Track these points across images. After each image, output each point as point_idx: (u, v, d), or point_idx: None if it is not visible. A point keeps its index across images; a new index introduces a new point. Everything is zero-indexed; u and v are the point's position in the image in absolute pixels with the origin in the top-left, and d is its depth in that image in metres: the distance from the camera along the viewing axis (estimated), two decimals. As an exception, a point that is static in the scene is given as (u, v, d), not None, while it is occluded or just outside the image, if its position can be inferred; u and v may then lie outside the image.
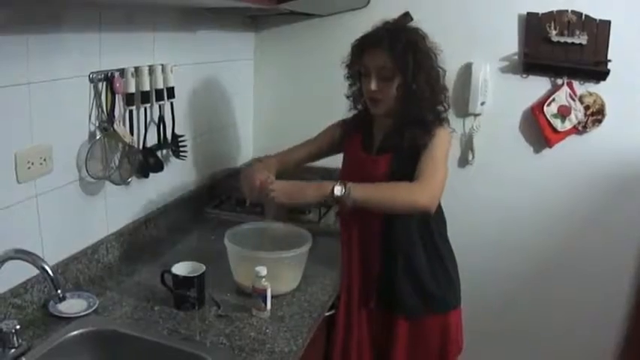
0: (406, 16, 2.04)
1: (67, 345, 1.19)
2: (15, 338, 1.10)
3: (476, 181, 2.22)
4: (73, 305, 1.30)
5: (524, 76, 2.10)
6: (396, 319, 1.52)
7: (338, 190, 1.33)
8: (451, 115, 1.57)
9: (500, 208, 2.23)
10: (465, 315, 1.61)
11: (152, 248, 1.71)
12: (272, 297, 1.36)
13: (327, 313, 1.51)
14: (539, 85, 2.10)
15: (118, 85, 1.47)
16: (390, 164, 1.46)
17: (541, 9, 2.01)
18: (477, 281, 2.05)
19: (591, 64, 2.00)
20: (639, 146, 2.05)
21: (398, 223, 1.49)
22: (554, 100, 2.05)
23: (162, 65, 1.64)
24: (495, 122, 2.16)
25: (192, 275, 1.35)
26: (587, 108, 2.04)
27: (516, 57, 2.10)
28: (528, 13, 2.03)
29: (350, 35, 1.50)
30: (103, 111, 1.45)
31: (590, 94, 2.05)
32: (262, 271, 1.34)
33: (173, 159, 1.82)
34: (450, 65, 1.55)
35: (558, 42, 1.99)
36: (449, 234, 1.58)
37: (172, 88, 1.69)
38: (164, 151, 1.77)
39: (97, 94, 1.44)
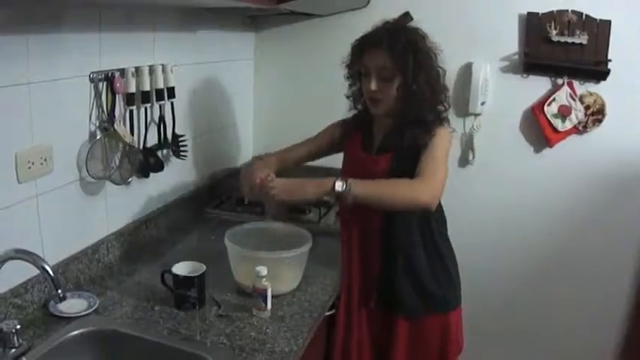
0: (406, 16, 2.04)
1: (67, 345, 1.19)
2: (15, 338, 1.10)
3: (476, 181, 2.22)
4: (73, 305, 1.30)
5: (525, 75, 2.10)
6: (396, 319, 1.52)
7: (339, 185, 1.33)
8: (451, 115, 1.57)
9: (500, 207, 2.23)
10: (465, 315, 1.61)
11: (152, 248, 1.71)
12: (272, 297, 1.36)
13: (327, 313, 1.51)
14: (539, 85, 2.10)
15: (118, 85, 1.47)
16: (390, 164, 1.46)
17: (541, 9, 2.01)
18: (477, 281, 2.05)
19: (591, 64, 2.00)
20: (639, 146, 2.05)
21: (398, 223, 1.49)
22: (554, 99, 2.05)
23: (162, 65, 1.64)
24: (496, 122, 2.16)
25: (192, 275, 1.35)
26: (587, 108, 2.04)
27: (516, 57, 2.10)
28: (528, 13, 2.03)
29: (350, 35, 1.50)
30: (103, 111, 1.46)
31: (591, 93, 2.05)
32: (262, 271, 1.34)
33: (173, 159, 1.82)
34: (450, 65, 1.55)
35: (558, 42, 1.99)
36: (449, 233, 1.58)
37: (173, 88, 1.69)
38: (164, 151, 1.77)
39: (98, 94, 1.44)
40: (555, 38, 1.99)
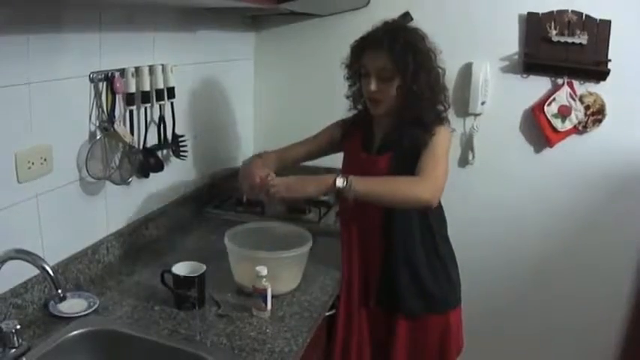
0: (406, 16, 2.05)
1: (67, 345, 1.19)
2: (15, 338, 1.10)
3: (476, 181, 2.22)
4: (73, 305, 1.30)
5: (525, 75, 2.10)
6: (397, 319, 1.53)
7: (340, 182, 1.33)
8: (451, 115, 1.57)
9: (500, 207, 2.23)
10: (465, 315, 1.61)
11: (152, 248, 1.71)
12: (272, 297, 1.36)
13: (327, 313, 1.51)
14: (539, 85, 2.10)
15: (118, 85, 1.47)
16: (391, 163, 1.46)
17: (541, 9, 2.01)
18: (477, 281, 2.05)
19: (591, 64, 2.00)
20: (639, 146, 2.05)
21: (398, 223, 1.49)
22: (554, 99, 2.05)
23: (162, 65, 1.64)
24: (496, 122, 2.16)
25: (192, 275, 1.35)
26: (587, 108, 2.04)
27: (517, 57, 2.10)
28: (528, 13, 2.03)
29: (350, 35, 1.50)
30: (103, 111, 1.46)
31: (591, 93, 2.05)
32: (262, 271, 1.34)
33: (173, 159, 1.82)
34: (450, 65, 1.55)
35: (558, 42, 1.99)
36: (449, 233, 1.58)
37: (172, 88, 1.69)
38: (164, 151, 1.76)
39: (98, 94, 1.44)
40: (555, 38, 1.99)
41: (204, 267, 1.37)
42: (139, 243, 1.70)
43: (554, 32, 1.99)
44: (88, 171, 1.42)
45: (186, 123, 1.90)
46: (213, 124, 2.14)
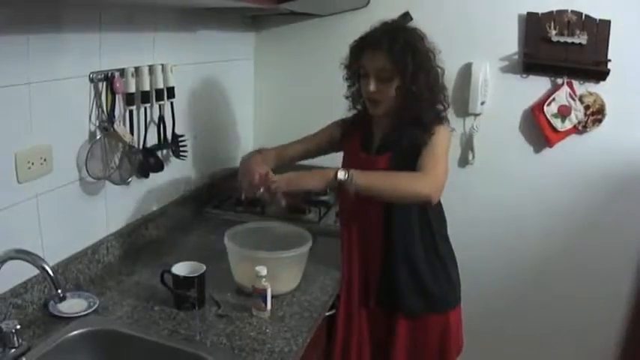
0: (406, 16, 2.05)
1: (67, 345, 1.19)
2: (15, 338, 1.10)
3: (476, 181, 2.22)
4: (73, 305, 1.30)
5: (524, 75, 2.10)
6: (397, 319, 1.53)
7: (341, 174, 1.33)
8: (451, 115, 1.57)
9: (500, 207, 2.23)
10: (465, 315, 1.62)
11: (152, 248, 1.71)
12: (272, 297, 1.36)
13: (327, 313, 1.51)
14: (539, 85, 2.10)
15: (118, 85, 1.47)
16: (390, 164, 1.46)
17: (541, 9, 2.01)
18: (477, 281, 2.05)
19: (591, 64, 2.00)
20: (639, 146, 2.05)
21: (398, 218, 1.48)
22: (554, 99, 2.05)
23: (162, 65, 1.64)
24: (495, 122, 2.16)
25: (192, 275, 1.35)
26: (587, 108, 2.04)
27: (516, 57, 2.10)
28: (528, 13, 2.03)
29: (350, 35, 1.50)
30: (103, 111, 1.46)
31: (590, 93, 2.05)
32: (262, 270, 1.34)
33: (173, 159, 1.82)
34: (450, 65, 1.55)
35: (558, 42, 1.99)
36: (449, 233, 1.58)
37: (172, 88, 1.69)
38: (164, 151, 1.76)
39: (97, 94, 1.44)
40: (555, 38, 1.99)
41: (204, 267, 1.37)
42: (139, 243, 1.70)
43: (553, 32, 1.99)
44: (87, 171, 1.42)
45: (186, 123, 1.90)
46: (213, 124, 2.14)
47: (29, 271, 1.21)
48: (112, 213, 1.60)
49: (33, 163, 1.26)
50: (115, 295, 1.41)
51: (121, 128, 1.50)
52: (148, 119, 1.67)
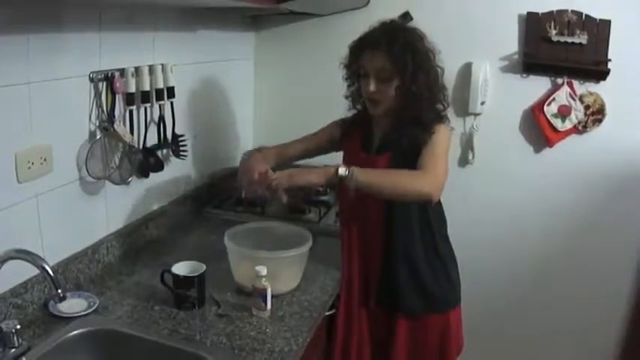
0: (406, 16, 2.05)
1: (67, 345, 1.19)
2: (15, 338, 1.10)
3: (476, 181, 2.22)
4: (73, 305, 1.30)
5: (525, 75, 2.10)
6: (397, 319, 1.53)
7: (342, 170, 1.33)
8: (451, 115, 1.57)
9: (500, 207, 2.23)
10: (465, 315, 1.62)
11: (152, 248, 1.71)
12: (272, 296, 1.36)
13: (327, 313, 1.51)
14: (539, 85, 2.10)
15: (118, 84, 1.47)
16: (390, 163, 1.46)
17: (541, 9, 2.01)
18: (477, 281, 2.05)
19: (591, 64, 2.00)
20: (639, 146, 2.05)
21: (398, 216, 1.48)
22: (554, 99, 2.05)
23: (162, 65, 1.64)
24: (495, 122, 2.16)
25: (192, 275, 1.35)
26: (587, 108, 2.04)
27: (516, 57, 2.10)
28: (528, 13, 2.03)
29: (350, 35, 1.50)
30: (103, 111, 1.46)
31: (591, 93, 2.05)
32: (262, 270, 1.34)
33: (173, 159, 1.82)
34: (450, 65, 1.55)
35: (558, 42, 1.99)
36: (449, 233, 1.58)
37: (172, 87, 1.69)
38: (164, 151, 1.76)
39: (98, 94, 1.44)
40: (555, 38, 1.99)
41: (204, 267, 1.37)
42: (139, 243, 1.70)
43: (553, 32, 1.99)
44: (87, 171, 1.42)
45: (186, 123, 1.90)
46: (213, 124, 2.14)
47: (29, 270, 1.21)
48: (112, 213, 1.60)
49: (33, 163, 1.26)
50: (115, 295, 1.41)
51: (121, 128, 1.50)
52: (148, 119, 1.67)
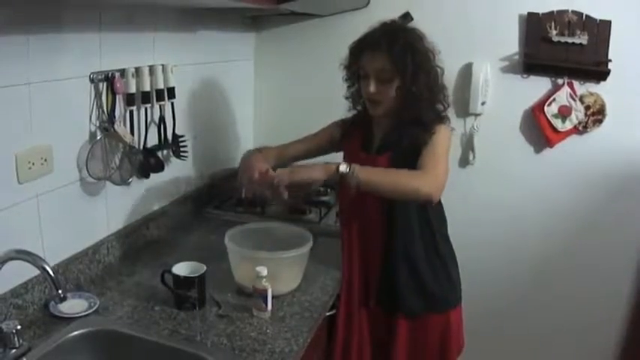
0: (406, 17, 2.05)
1: (67, 345, 1.19)
2: (16, 338, 1.10)
3: (476, 181, 2.22)
4: (73, 305, 1.30)
5: (525, 76, 2.10)
6: (397, 319, 1.53)
7: (343, 167, 1.33)
8: (452, 115, 1.57)
9: (500, 207, 2.23)
10: (465, 315, 1.62)
11: (153, 248, 1.71)
12: (272, 297, 1.36)
13: (327, 313, 1.51)
14: (539, 85, 2.10)
15: (118, 85, 1.47)
16: (390, 163, 1.46)
17: (541, 9, 2.01)
18: (477, 281, 2.04)
19: (592, 64, 2.00)
20: (639, 146, 2.05)
21: (398, 221, 1.48)
22: (554, 100, 2.05)
23: (162, 65, 1.64)
24: (496, 122, 2.16)
25: (192, 275, 1.35)
26: (587, 108, 2.04)
27: (517, 57, 2.10)
28: (529, 13, 2.03)
29: (350, 35, 1.50)
30: (103, 111, 1.46)
31: (591, 94, 2.05)
32: (263, 271, 1.34)
33: (173, 159, 1.82)
34: (450, 65, 1.55)
35: (559, 42, 1.99)
36: (449, 233, 1.58)
37: (173, 88, 1.69)
38: (165, 152, 1.76)
39: (98, 95, 1.44)
40: (555, 38, 1.99)
41: (205, 267, 1.37)
42: (139, 243, 1.70)
43: (554, 32, 1.99)
44: (88, 171, 1.42)
45: (187, 123, 1.90)
46: (213, 124, 2.14)
47: (30, 271, 1.21)
48: (113, 213, 1.60)
49: (33, 164, 1.26)
50: (115, 296, 1.41)
51: (121, 128, 1.50)
52: (149, 119, 1.67)
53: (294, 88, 2.37)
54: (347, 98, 1.59)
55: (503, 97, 2.14)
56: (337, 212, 1.86)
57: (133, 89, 1.53)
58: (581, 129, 2.08)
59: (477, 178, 2.22)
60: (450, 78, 1.77)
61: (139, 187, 1.70)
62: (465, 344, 1.63)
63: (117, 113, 1.50)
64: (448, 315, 1.54)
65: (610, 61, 1.98)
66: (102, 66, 1.45)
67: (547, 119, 2.07)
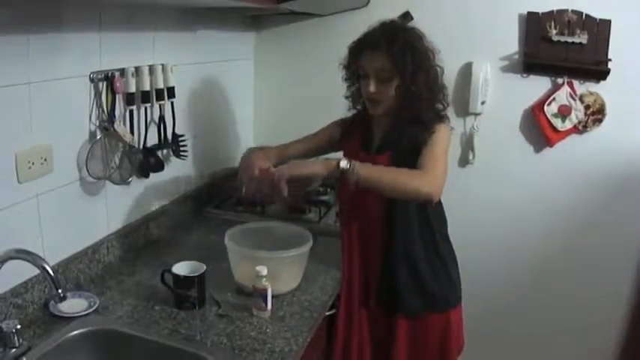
0: (406, 16, 2.05)
1: (67, 345, 1.19)
2: (16, 338, 1.10)
3: (476, 181, 2.22)
4: (73, 305, 1.30)
5: (525, 75, 2.10)
6: (397, 318, 1.53)
7: (344, 163, 1.32)
8: (451, 115, 1.57)
9: (500, 207, 2.23)
10: (465, 315, 1.62)
11: (153, 248, 1.71)
12: (272, 297, 1.36)
13: (327, 313, 1.51)
14: (539, 85, 2.09)
15: (118, 84, 1.47)
16: (390, 163, 1.45)
17: (541, 8, 2.01)
18: (477, 281, 2.05)
19: (592, 64, 2.00)
20: (639, 146, 2.05)
21: (398, 222, 1.48)
22: (554, 99, 2.05)
23: (162, 65, 1.64)
24: (496, 122, 2.16)
25: (192, 275, 1.35)
26: (587, 107, 2.04)
27: (517, 56, 2.10)
28: (528, 13, 2.03)
29: (350, 35, 1.50)
30: (103, 111, 1.46)
31: (591, 93, 2.04)
32: (263, 270, 1.34)
33: (173, 159, 1.82)
34: (450, 65, 1.54)
35: (559, 41, 1.99)
36: (449, 233, 1.58)
37: (173, 87, 1.69)
38: (164, 151, 1.76)
39: (98, 94, 1.44)
40: (555, 38, 1.99)
41: (205, 267, 1.37)
42: (139, 243, 1.70)
43: (554, 32, 1.99)
44: (88, 171, 1.42)
45: (186, 123, 1.90)
46: (213, 124, 2.14)
47: (30, 270, 1.21)
48: (113, 213, 1.60)
49: (33, 163, 1.27)
50: (115, 295, 1.41)
51: (121, 128, 1.50)
52: (149, 119, 1.67)
53: (294, 87, 2.37)
54: (347, 98, 1.59)
55: (503, 96, 2.14)
56: (337, 212, 1.87)
57: (132, 89, 1.54)
58: (581, 128, 2.08)
59: (476, 177, 2.22)
60: (449, 77, 1.77)
61: (138, 186, 1.70)
62: (465, 344, 1.63)
63: (117, 113, 1.50)
64: (448, 315, 1.54)
65: (610, 60, 1.97)
66: (102, 65, 1.45)
67: (547, 119, 2.07)
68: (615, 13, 1.95)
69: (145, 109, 1.64)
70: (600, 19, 1.96)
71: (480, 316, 2.09)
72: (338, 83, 1.58)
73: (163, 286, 1.39)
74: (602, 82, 2.03)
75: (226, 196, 2.09)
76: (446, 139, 1.45)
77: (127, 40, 1.55)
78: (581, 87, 2.05)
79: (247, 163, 1.46)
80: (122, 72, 1.50)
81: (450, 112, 1.54)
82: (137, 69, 1.55)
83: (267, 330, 1.30)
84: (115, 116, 1.49)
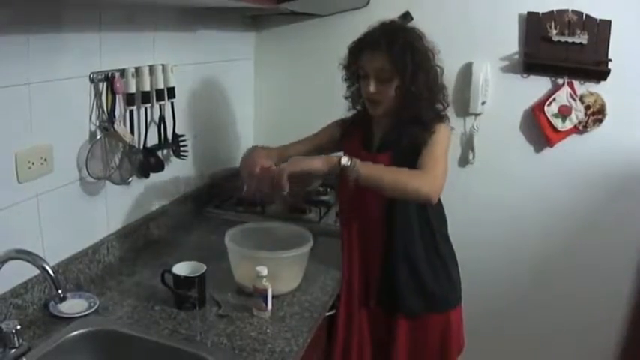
0: (406, 16, 2.05)
1: (67, 345, 1.19)
2: (16, 338, 1.10)
3: (476, 181, 2.22)
4: (73, 305, 1.30)
5: (525, 75, 2.10)
6: (397, 318, 1.53)
7: (345, 160, 1.32)
8: (452, 115, 1.57)
9: (500, 207, 2.23)
10: (465, 315, 1.62)
11: (153, 248, 1.71)
12: (273, 297, 1.36)
13: (327, 313, 1.51)
14: (539, 85, 2.09)
15: (118, 85, 1.47)
16: (390, 162, 1.45)
17: (541, 9, 2.01)
18: (477, 281, 2.05)
19: (592, 64, 2.00)
20: (639, 146, 2.05)
21: (399, 222, 1.48)
22: (554, 99, 2.05)
23: (162, 65, 1.64)
24: (496, 122, 2.16)
25: (192, 275, 1.35)
26: (587, 108, 2.04)
27: (517, 57, 2.10)
28: (529, 13, 2.03)
29: (350, 35, 1.50)
30: (103, 111, 1.46)
31: (591, 93, 2.04)
32: (263, 270, 1.34)
33: (174, 159, 1.82)
34: (450, 65, 1.54)
35: (559, 41, 1.99)
36: (449, 233, 1.58)
37: (173, 88, 1.69)
38: (164, 151, 1.76)
39: (98, 94, 1.44)
40: (555, 38, 1.99)
41: (205, 267, 1.37)
42: (140, 243, 1.70)
43: (554, 32, 1.99)
44: (88, 171, 1.42)
45: (187, 123, 1.90)
46: (213, 124, 2.14)
47: (30, 271, 1.21)
48: (113, 213, 1.60)
49: (33, 163, 1.27)
50: (115, 295, 1.41)
51: (121, 128, 1.50)
52: (149, 119, 1.67)
53: (294, 87, 2.37)
54: (347, 98, 1.59)
55: (503, 96, 2.14)
56: (337, 212, 1.87)
57: (132, 89, 1.53)
58: (581, 129, 2.08)
59: (476, 177, 2.22)
60: (449, 77, 1.77)
61: (138, 186, 1.70)
62: (465, 344, 1.63)
63: (117, 113, 1.50)
64: (448, 315, 1.54)
65: (610, 60, 1.97)
66: (102, 66, 1.45)
67: (547, 119, 2.07)
68: (615, 13, 1.95)
69: (145, 109, 1.64)
70: (600, 20, 1.96)
71: (480, 316, 2.09)
72: (338, 83, 1.58)
73: (163, 286, 1.39)
74: (602, 83, 2.03)
75: (226, 197, 2.09)
76: (446, 140, 1.45)
77: (127, 40, 1.55)
78: (581, 87, 2.05)
79: (249, 161, 1.47)
80: (122, 72, 1.50)
81: (450, 112, 1.54)
82: (137, 69, 1.54)
83: (268, 330, 1.30)
84: (115, 116, 1.49)
